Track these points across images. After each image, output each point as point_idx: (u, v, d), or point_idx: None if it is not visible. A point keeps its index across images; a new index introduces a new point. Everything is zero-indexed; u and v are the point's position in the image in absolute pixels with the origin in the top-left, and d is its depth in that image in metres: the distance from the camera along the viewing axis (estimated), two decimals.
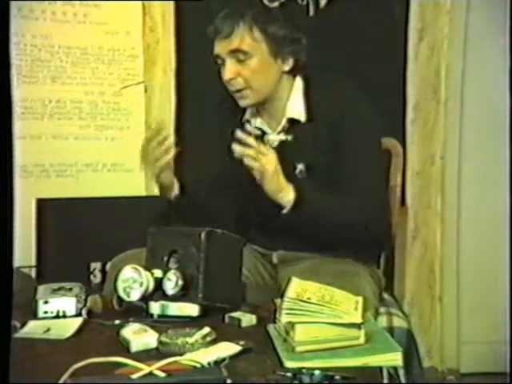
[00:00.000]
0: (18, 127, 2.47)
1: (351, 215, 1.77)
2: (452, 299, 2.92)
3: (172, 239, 1.61)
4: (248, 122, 1.91)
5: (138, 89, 2.69)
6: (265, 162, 1.68)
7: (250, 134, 1.74)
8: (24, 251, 2.41)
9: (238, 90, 1.82)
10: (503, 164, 2.51)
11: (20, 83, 2.53)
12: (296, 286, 1.39)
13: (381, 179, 1.89)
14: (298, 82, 1.88)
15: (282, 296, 1.36)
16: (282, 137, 1.86)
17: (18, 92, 2.49)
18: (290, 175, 1.82)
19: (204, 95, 1.86)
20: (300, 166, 1.84)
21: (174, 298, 1.54)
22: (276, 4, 2.77)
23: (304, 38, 1.86)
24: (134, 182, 2.56)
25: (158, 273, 1.57)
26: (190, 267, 1.55)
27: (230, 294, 1.60)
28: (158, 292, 1.55)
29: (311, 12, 2.77)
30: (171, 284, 1.54)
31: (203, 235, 1.57)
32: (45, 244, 2.38)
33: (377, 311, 1.76)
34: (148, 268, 1.58)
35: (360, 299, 1.41)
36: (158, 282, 1.55)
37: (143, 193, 2.65)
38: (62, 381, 1.10)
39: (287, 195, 1.72)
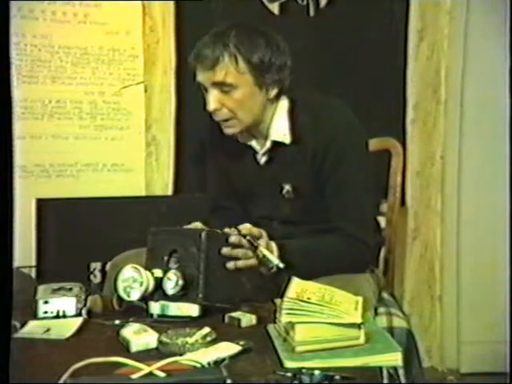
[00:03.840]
0: (18, 127, 2.47)
1: (338, 249, 1.76)
2: (452, 299, 2.92)
3: (172, 239, 1.61)
4: (236, 138, 1.87)
5: (138, 89, 2.69)
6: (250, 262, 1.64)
7: (243, 236, 1.63)
8: (24, 251, 2.41)
9: (223, 120, 1.78)
10: (503, 164, 2.51)
11: (20, 83, 2.53)
12: (296, 286, 1.39)
13: (368, 197, 1.83)
14: (283, 103, 1.83)
15: (281, 296, 1.36)
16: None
17: (18, 92, 2.49)
18: (277, 195, 1.82)
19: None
20: (287, 187, 1.82)
21: (174, 298, 1.54)
22: (276, 4, 2.77)
23: (289, 61, 1.79)
24: (134, 182, 2.57)
25: (158, 272, 1.57)
26: (190, 267, 1.55)
27: (229, 293, 1.59)
28: (158, 292, 1.55)
29: (311, 12, 2.77)
30: (171, 284, 1.54)
31: (203, 235, 1.56)
32: (45, 244, 2.38)
33: (376, 311, 1.76)
34: (148, 268, 1.57)
35: (360, 299, 1.41)
36: (159, 282, 1.55)
37: (143, 193, 2.65)
38: (61, 381, 1.10)
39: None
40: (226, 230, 1.63)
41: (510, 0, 2.50)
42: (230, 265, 1.59)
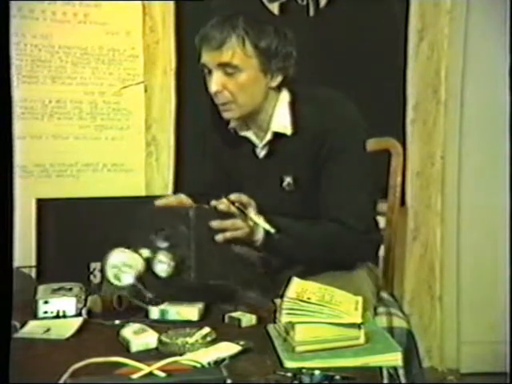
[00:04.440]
0: (18, 127, 2.47)
1: (331, 239, 1.74)
2: (452, 299, 2.92)
3: (159, 217, 1.56)
4: (234, 130, 1.87)
5: (138, 89, 2.69)
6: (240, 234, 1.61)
7: (232, 203, 1.60)
8: (24, 251, 2.41)
9: (223, 103, 1.78)
10: (503, 164, 2.51)
11: (20, 83, 2.54)
12: (296, 286, 1.39)
13: (365, 190, 1.81)
14: (284, 95, 1.83)
15: (282, 296, 1.36)
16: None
17: (18, 92, 2.49)
18: (277, 188, 1.82)
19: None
20: (288, 179, 1.82)
21: (166, 280, 1.50)
22: (276, 4, 2.77)
23: (295, 51, 1.80)
24: (134, 182, 2.57)
25: (146, 252, 1.52)
26: (180, 246, 1.50)
27: (222, 269, 1.56)
28: (149, 275, 1.50)
29: (311, 12, 2.78)
30: (163, 266, 1.50)
31: (192, 212, 1.51)
32: (45, 244, 2.38)
33: (375, 310, 1.76)
34: (135, 249, 1.52)
35: (360, 299, 1.41)
36: (148, 263, 1.51)
37: (143, 193, 2.65)
38: (62, 381, 1.10)
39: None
40: (213, 202, 1.58)
41: (510, 0, 2.50)
42: (219, 237, 1.55)
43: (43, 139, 2.60)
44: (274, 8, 2.77)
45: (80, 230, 2.37)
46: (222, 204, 1.57)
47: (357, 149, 1.80)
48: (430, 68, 2.79)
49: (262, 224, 1.63)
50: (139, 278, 1.51)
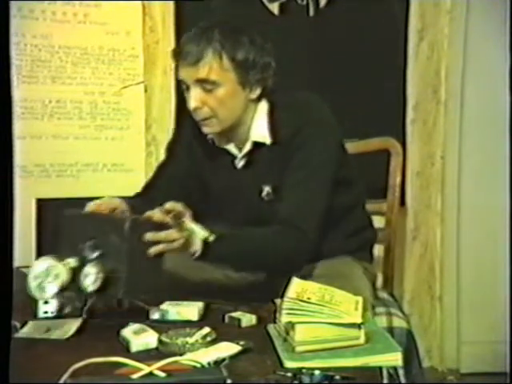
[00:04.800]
0: (18, 127, 2.48)
1: (274, 242, 1.69)
2: (452, 299, 2.92)
3: (91, 225, 1.45)
4: (212, 140, 1.84)
5: (138, 89, 2.69)
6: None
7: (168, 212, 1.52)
8: (24, 251, 2.41)
9: (203, 119, 1.74)
10: (503, 164, 2.51)
11: (20, 83, 2.54)
12: (296, 286, 1.39)
13: (322, 190, 1.74)
14: (263, 105, 1.80)
15: (282, 296, 1.36)
16: None
17: (18, 92, 2.49)
18: (256, 198, 1.79)
19: None
20: (267, 188, 1.79)
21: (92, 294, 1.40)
22: (276, 4, 2.77)
23: (273, 62, 1.75)
24: (134, 182, 2.56)
25: (72, 262, 1.41)
26: (110, 258, 1.40)
27: (152, 282, 1.48)
28: (75, 286, 1.40)
29: (311, 12, 2.77)
30: (90, 279, 1.39)
31: (128, 225, 1.40)
32: (45, 244, 2.38)
33: (373, 309, 1.75)
34: (61, 257, 1.41)
35: (360, 299, 1.41)
36: (74, 273, 1.40)
37: None
38: (62, 381, 1.10)
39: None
40: (148, 212, 1.49)
41: (510, 0, 2.50)
42: (153, 250, 1.46)
43: (43, 139, 2.60)
44: (274, 8, 2.77)
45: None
46: (157, 214, 1.49)
47: (320, 147, 1.76)
48: (429, 68, 2.79)
49: (200, 232, 1.55)
50: (64, 289, 1.40)
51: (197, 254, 1.57)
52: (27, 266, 2.15)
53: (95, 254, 1.41)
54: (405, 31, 2.79)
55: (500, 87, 2.26)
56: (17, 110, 2.49)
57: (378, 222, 2.21)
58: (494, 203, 2.81)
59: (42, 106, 2.59)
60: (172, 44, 2.70)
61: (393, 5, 2.81)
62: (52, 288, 1.37)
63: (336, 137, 1.82)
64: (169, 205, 1.54)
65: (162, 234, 1.48)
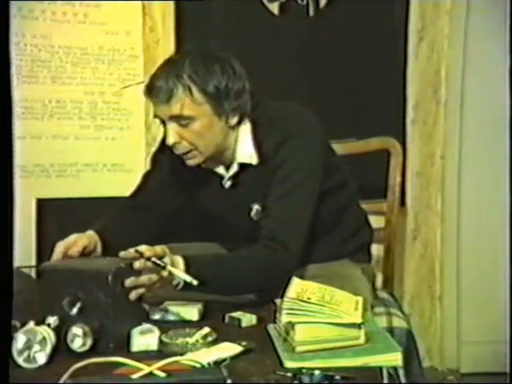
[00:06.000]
0: (18, 127, 2.48)
1: (253, 256, 1.65)
2: (452, 299, 2.92)
3: (71, 281, 1.37)
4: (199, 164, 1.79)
5: (138, 89, 2.69)
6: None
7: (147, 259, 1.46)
8: (24, 251, 2.41)
9: (184, 153, 1.72)
10: (503, 164, 2.51)
11: (20, 83, 2.54)
12: (296, 286, 1.39)
13: (305, 202, 1.71)
14: (245, 127, 1.75)
15: (282, 296, 1.36)
16: None
17: (18, 92, 2.49)
18: (245, 217, 1.76)
19: None
20: (256, 207, 1.76)
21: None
22: (276, 4, 2.77)
23: (247, 84, 1.71)
24: (134, 182, 2.56)
25: (54, 321, 1.34)
26: (96, 315, 1.34)
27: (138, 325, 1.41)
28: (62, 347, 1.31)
29: (311, 12, 2.77)
30: (79, 341, 1.32)
31: (110, 277, 1.35)
32: (45, 244, 2.38)
33: (372, 309, 1.75)
34: (41, 317, 1.34)
35: (360, 299, 1.41)
36: (58, 333, 1.32)
37: None
38: (62, 381, 1.10)
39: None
40: (123, 253, 1.45)
41: (510, 0, 2.50)
42: (133, 295, 1.41)
43: (43, 139, 2.60)
44: (274, 8, 2.77)
45: (80, 230, 2.37)
46: (138, 263, 1.43)
47: (303, 159, 1.72)
48: (429, 68, 2.79)
49: (181, 275, 1.48)
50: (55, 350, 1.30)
51: (180, 286, 1.51)
52: (27, 266, 2.15)
53: (76, 310, 1.35)
54: (405, 31, 2.79)
55: (500, 87, 2.26)
56: (17, 110, 2.49)
57: (378, 222, 2.21)
58: (494, 203, 2.82)
59: (42, 106, 2.59)
60: (172, 44, 2.70)
61: (393, 5, 2.81)
62: (41, 356, 1.28)
63: (321, 146, 1.77)
64: (148, 251, 1.46)
65: (144, 279, 1.43)
